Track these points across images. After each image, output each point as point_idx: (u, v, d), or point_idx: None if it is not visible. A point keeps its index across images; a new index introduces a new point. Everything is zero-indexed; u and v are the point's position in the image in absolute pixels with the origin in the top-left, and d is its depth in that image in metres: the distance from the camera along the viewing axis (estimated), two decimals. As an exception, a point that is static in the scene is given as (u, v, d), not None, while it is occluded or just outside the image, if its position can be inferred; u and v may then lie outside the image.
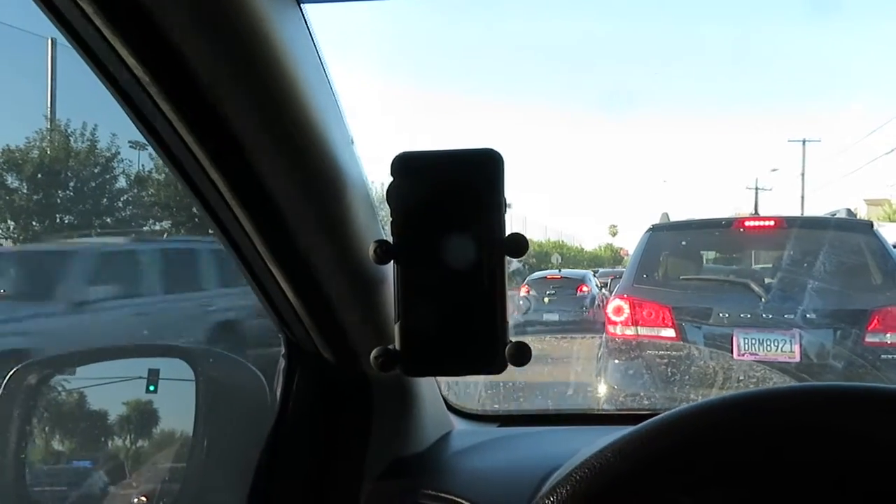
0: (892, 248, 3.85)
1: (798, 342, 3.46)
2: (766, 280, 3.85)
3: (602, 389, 3.50)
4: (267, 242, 0.63)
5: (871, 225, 4.02)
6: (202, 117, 0.51)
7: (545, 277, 10.40)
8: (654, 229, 4.19)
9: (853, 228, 3.94)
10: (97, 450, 0.90)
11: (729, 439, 0.48)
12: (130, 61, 0.46)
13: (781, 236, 4.10)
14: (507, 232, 0.49)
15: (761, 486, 0.67)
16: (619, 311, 3.78)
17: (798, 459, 0.56)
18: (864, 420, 0.47)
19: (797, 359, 3.44)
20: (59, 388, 0.86)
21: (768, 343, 3.51)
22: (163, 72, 0.48)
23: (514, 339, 0.49)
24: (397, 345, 0.49)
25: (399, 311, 0.49)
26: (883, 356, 3.36)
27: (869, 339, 3.38)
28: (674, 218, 4.61)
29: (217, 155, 0.54)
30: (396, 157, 0.49)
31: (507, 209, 0.50)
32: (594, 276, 11.09)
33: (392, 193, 0.49)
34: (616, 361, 3.72)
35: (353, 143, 0.63)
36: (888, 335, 3.39)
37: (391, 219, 0.49)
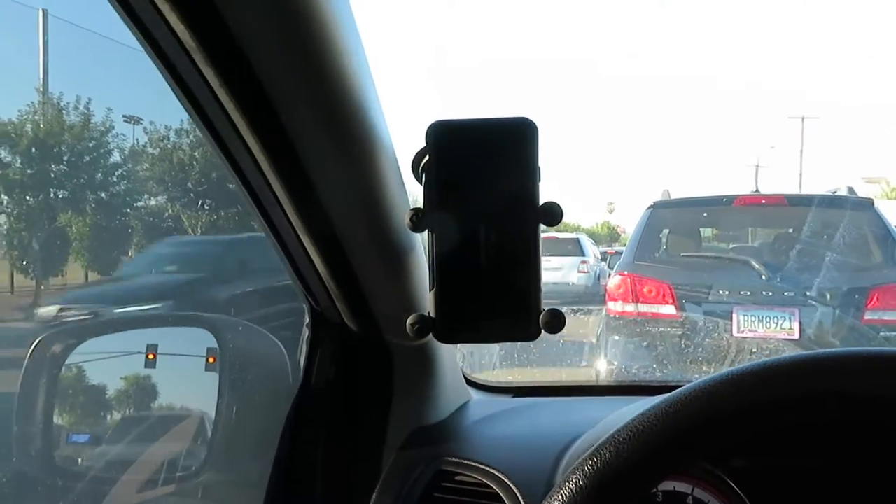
0: (892, 226, 3.85)
1: (797, 319, 3.49)
2: (767, 257, 3.85)
3: (602, 365, 3.53)
4: (299, 211, 0.63)
5: (872, 203, 4.02)
6: (240, 78, 0.50)
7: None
8: (656, 206, 4.16)
9: (854, 206, 3.91)
10: (121, 418, 0.91)
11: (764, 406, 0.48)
12: (169, 15, 0.45)
13: (783, 214, 4.10)
14: (542, 200, 0.49)
15: (789, 452, 0.69)
16: (619, 287, 3.78)
17: (823, 423, 0.57)
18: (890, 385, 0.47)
19: (796, 336, 3.48)
20: (84, 358, 0.87)
21: (768, 320, 3.54)
22: (201, 30, 0.47)
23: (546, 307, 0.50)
24: (432, 312, 0.49)
25: (434, 279, 0.49)
26: (882, 333, 3.40)
27: (868, 316, 3.43)
28: (674, 195, 4.56)
29: (253, 118, 0.54)
30: (432, 124, 0.48)
31: (541, 179, 0.50)
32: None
33: (427, 161, 0.49)
34: (616, 337, 3.74)
35: (382, 110, 0.63)
36: (887, 313, 3.43)
37: (425, 186, 0.49)
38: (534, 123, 0.49)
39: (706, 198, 4.28)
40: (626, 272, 3.83)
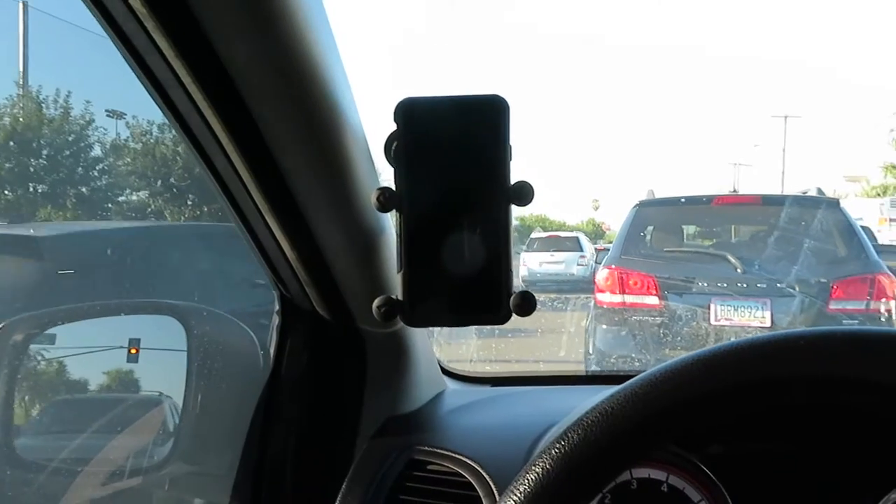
0: (856, 223, 4.16)
1: (769, 308, 3.75)
2: (743, 252, 4.08)
3: (591, 354, 3.69)
4: (265, 193, 0.61)
5: (838, 203, 4.33)
6: (199, 55, 0.49)
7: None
8: (641, 205, 4.40)
9: (822, 206, 4.19)
10: (86, 408, 0.89)
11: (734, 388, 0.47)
12: None
13: (757, 212, 4.37)
14: (512, 180, 0.48)
15: (767, 437, 0.69)
16: (607, 279, 3.97)
17: (800, 405, 0.57)
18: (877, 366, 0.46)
19: (768, 323, 3.73)
20: (47, 345, 0.84)
21: (742, 309, 3.78)
22: (160, 7, 0.45)
23: (517, 289, 0.48)
24: (400, 295, 0.48)
25: (402, 260, 0.48)
26: (844, 321, 3.67)
27: (832, 306, 3.70)
28: (658, 194, 4.78)
29: (214, 95, 0.52)
30: (400, 102, 0.47)
31: (512, 158, 0.49)
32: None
33: (396, 140, 0.47)
34: (604, 327, 3.95)
35: (350, 87, 0.62)
36: (849, 303, 3.72)
37: (394, 165, 0.48)
38: (505, 101, 0.47)
39: (687, 197, 4.54)
40: (613, 266, 4.03)
